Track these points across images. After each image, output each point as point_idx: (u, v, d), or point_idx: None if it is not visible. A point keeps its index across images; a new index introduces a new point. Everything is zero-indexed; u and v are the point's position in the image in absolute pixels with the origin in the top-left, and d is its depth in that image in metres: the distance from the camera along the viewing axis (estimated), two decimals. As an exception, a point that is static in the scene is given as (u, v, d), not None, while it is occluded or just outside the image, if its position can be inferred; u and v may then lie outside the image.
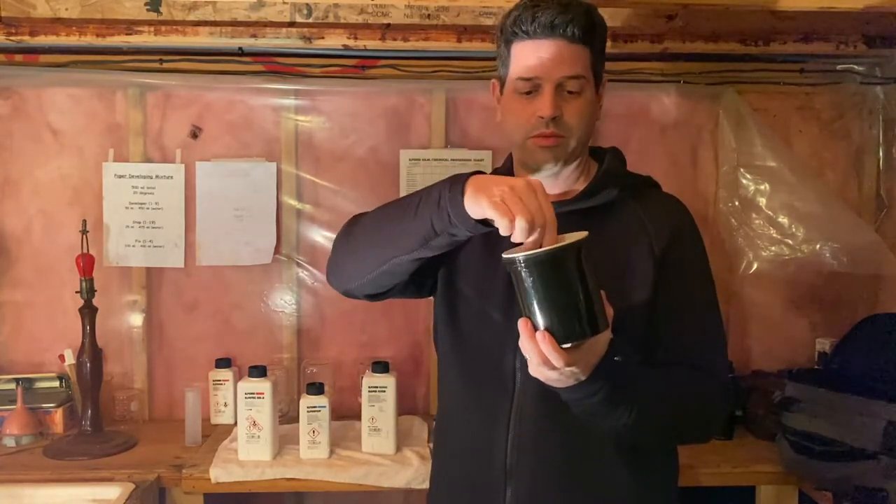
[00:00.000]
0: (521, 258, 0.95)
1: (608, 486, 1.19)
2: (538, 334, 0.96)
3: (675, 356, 1.18)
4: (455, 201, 1.03)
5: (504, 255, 0.97)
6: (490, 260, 1.21)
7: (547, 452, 1.19)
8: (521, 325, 0.97)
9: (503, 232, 0.97)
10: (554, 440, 1.18)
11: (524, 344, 0.98)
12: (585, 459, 1.19)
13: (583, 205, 1.23)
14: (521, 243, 0.98)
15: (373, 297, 1.29)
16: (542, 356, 0.96)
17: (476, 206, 1.00)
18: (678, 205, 1.28)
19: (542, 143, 1.19)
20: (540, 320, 0.96)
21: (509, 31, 1.19)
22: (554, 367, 0.97)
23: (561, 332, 0.96)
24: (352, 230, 1.26)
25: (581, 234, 0.98)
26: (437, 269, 1.29)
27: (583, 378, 1.00)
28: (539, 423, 1.18)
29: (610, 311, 1.00)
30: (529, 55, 1.17)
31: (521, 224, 0.95)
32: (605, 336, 1.00)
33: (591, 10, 1.19)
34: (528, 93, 1.18)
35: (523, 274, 0.95)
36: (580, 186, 1.26)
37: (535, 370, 1.00)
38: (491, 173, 1.34)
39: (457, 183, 1.04)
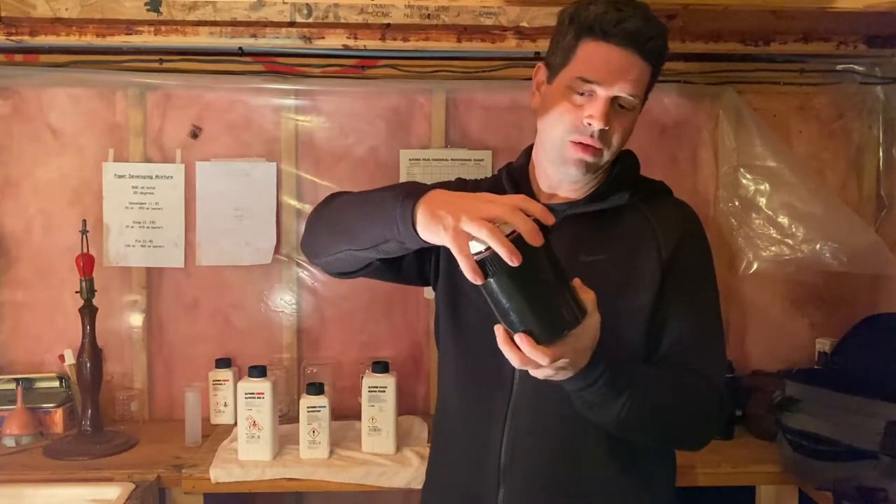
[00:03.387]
0: (481, 258, 0.89)
1: (601, 490, 1.19)
2: (517, 338, 0.90)
3: (674, 361, 1.18)
4: (406, 223, 1.00)
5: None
6: None
7: (541, 454, 1.18)
8: (497, 331, 0.92)
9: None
10: (548, 442, 1.18)
11: (504, 350, 0.92)
12: (579, 462, 1.18)
13: (593, 207, 1.23)
14: None
15: (340, 275, 1.30)
16: (523, 358, 0.92)
17: (431, 234, 0.97)
18: (689, 212, 1.27)
19: (581, 152, 1.16)
20: (516, 322, 0.91)
21: (586, 25, 1.13)
22: (541, 366, 0.93)
23: (539, 332, 0.91)
24: (322, 210, 1.27)
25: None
26: (419, 259, 1.30)
27: (582, 365, 0.97)
28: (534, 425, 1.18)
29: (591, 295, 0.95)
30: (599, 58, 1.13)
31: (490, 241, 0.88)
32: (594, 321, 0.96)
33: (665, 34, 1.16)
34: (581, 94, 1.15)
35: (487, 273, 0.90)
36: (593, 187, 1.25)
37: (530, 370, 0.96)
38: (507, 166, 1.34)
39: (408, 200, 1.00)
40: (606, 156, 1.18)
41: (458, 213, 0.92)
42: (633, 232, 1.22)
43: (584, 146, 1.16)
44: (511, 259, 0.87)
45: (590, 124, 1.14)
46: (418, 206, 0.99)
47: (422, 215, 0.98)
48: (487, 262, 0.89)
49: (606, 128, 1.14)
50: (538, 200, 1.22)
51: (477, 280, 0.90)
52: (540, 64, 1.24)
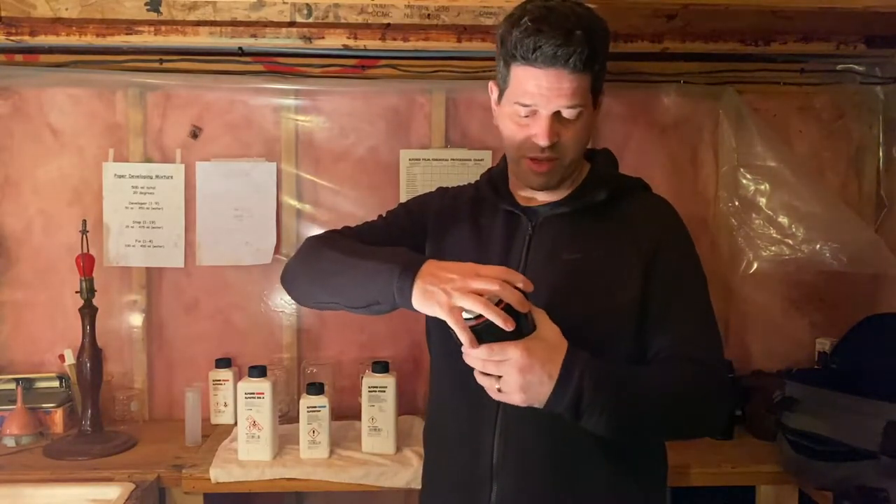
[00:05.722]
0: (475, 326, 1.03)
1: (593, 487, 1.20)
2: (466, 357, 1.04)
3: (671, 354, 1.18)
4: (403, 297, 1.07)
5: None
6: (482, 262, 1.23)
7: (532, 452, 1.19)
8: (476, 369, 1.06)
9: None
10: (539, 440, 1.19)
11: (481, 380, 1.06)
12: (570, 460, 1.19)
13: (571, 207, 1.25)
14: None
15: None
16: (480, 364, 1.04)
17: (426, 308, 1.05)
18: (666, 207, 1.30)
19: (536, 168, 1.20)
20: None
21: (509, 51, 1.15)
22: (495, 374, 1.03)
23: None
24: (308, 262, 1.27)
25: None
26: None
27: (553, 371, 1.04)
28: (525, 423, 1.18)
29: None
30: (529, 82, 1.15)
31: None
32: (549, 332, 1.05)
33: (593, 33, 1.14)
34: (525, 113, 1.18)
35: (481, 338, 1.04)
36: (571, 188, 1.27)
37: (493, 388, 1.06)
38: (489, 172, 1.37)
39: (405, 277, 1.07)
40: (566, 162, 1.21)
41: (449, 289, 1.02)
42: (612, 229, 1.24)
43: (539, 161, 1.20)
44: (507, 326, 0.99)
45: (537, 143, 1.17)
46: (415, 283, 1.06)
47: (417, 292, 1.06)
48: (483, 330, 1.01)
49: (553, 142, 1.17)
50: (517, 202, 1.29)
51: (474, 347, 1.01)
52: (491, 83, 1.27)
